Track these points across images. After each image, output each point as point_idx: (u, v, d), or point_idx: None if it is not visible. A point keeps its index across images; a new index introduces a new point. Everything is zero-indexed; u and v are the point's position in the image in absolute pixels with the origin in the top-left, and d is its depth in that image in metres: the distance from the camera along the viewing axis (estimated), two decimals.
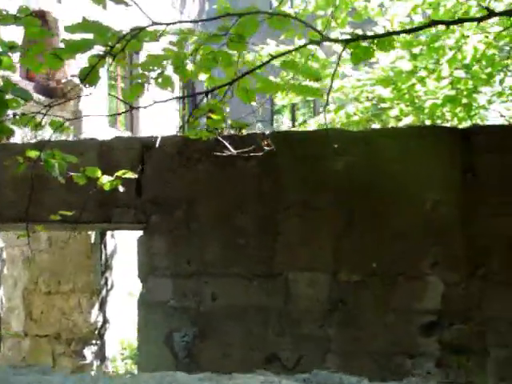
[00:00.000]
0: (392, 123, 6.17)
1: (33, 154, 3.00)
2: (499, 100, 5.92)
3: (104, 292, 7.35)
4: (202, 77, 3.13)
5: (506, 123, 6.61)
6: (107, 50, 2.54)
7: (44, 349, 7.18)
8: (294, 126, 17.06)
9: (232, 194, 4.69)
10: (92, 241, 7.12)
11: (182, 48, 2.91)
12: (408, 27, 5.27)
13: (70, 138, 7.38)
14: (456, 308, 4.33)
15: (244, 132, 4.21)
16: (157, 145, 4.74)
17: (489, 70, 5.48)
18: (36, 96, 11.03)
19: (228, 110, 3.41)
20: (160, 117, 16.57)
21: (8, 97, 2.55)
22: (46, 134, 4.85)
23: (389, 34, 2.70)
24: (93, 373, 6.31)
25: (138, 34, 2.60)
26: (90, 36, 2.67)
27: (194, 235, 4.73)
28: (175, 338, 4.75)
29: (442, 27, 5.81)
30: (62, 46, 2.72)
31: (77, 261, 7.12)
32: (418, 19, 6.54)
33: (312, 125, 8.99)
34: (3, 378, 2.17)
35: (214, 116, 3.24)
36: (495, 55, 5.46)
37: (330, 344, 4.51)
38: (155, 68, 2.89)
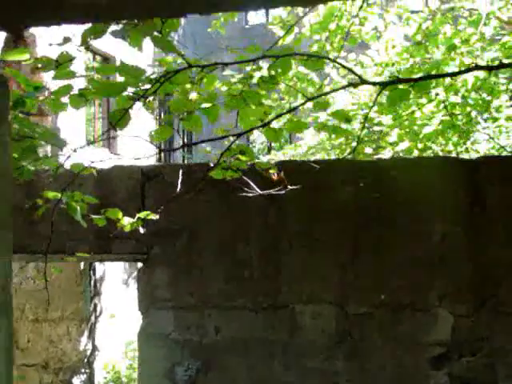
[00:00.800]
0: (389, 149, 6.15)
1: (51, 195, 2.89)
2: (493, 125, 5.93)
3: (93, 318, 7.19)
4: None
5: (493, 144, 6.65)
6: (140, 93, 2.45)
7: (32, 378, 6.98)
8: (269, 151, 17.13)
9: (235, 225, 4.60)
10: (81, 267, 6.97)
11: (213, 91, 2.84)
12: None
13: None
14: (465, 340, 4.29)
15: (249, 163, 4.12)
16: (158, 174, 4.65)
17: (488, 97, 5.50)
18: None
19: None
20: (138, 134, 16.40)
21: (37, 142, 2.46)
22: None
23: (427, 77, 2.66)
24: None
25: (171, 77, 2.53)
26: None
27: (197, 266, 4.64)
28: (177, 372, 4.64)
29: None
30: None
31: (65, 287, 6.96)
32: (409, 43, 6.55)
33: (289, 151, 9.03)
34: None
35: (242, 157, 3.18)
36: (495, 83, 5.48)
37: (338, 377, 4.44)
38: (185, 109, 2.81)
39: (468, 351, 4.29)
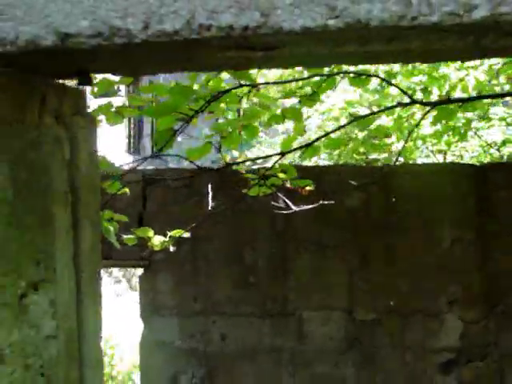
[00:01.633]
0: (388, 152, 6.12)
1: None
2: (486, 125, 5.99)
3: None
4: None
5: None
6: (190, 114, 2.34)
7: None
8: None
9: (242, 230, 4.51)
10: None
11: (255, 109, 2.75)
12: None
13: None
14: (474, 345, 4.32)
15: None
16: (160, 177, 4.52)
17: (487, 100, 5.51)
18: None
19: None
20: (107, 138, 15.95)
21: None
22: None
23: (476, 98, 2.63)
24: None
25: (220, 98, 2.43)
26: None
27: (202, 273, 4.53)
28: (182, 381, 4.54)
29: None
30: None
31: None
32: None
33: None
34: None
35: (282, 175, 3.09)
36: (495, 86, 5.51)
37: None
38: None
39: (477, 357, 4.32)
